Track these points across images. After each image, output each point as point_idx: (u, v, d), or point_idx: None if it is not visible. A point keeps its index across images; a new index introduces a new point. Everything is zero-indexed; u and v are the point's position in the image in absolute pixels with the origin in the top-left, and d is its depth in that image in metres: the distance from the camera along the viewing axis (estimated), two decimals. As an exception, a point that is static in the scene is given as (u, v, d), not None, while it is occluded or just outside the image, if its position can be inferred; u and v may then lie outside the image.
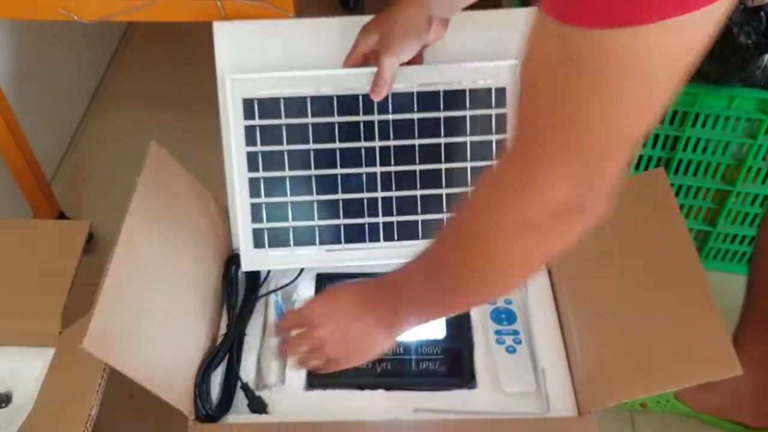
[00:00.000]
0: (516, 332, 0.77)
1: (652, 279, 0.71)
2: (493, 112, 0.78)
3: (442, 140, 0.79)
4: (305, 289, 0.83)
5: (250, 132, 0.78)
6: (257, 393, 0.73)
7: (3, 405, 0.72)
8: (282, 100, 0.77)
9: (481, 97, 0.77)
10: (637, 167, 1.02)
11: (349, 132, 0.78)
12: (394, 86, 0.74)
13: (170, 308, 0.71)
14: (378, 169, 0.80)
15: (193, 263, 0.77)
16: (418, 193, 0.81)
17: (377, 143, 0.79)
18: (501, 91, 0.77)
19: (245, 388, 0.73)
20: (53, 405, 0.65)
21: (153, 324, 0.67)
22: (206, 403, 0.70)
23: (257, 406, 0.71)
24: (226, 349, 0.76)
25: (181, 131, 1.23)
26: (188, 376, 0.71)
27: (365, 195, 0.81)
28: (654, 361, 0.66)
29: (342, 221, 0.82)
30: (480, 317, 0.79)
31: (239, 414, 0.71)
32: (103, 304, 0.60)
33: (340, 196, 0.81)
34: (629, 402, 0.92)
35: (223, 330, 0.78)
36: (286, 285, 0.83)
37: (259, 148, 0.78)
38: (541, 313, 0.79)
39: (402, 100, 0.77)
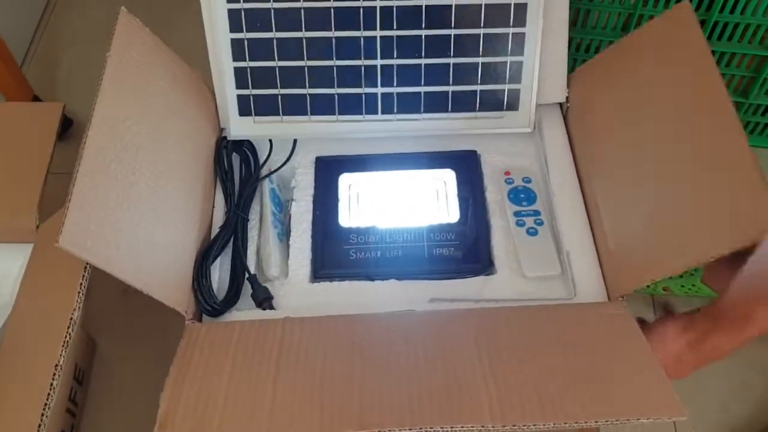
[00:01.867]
0: (537, 213, 0.70)
1: (685, 141, 0.63)
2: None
3: (453, 1, 0.69)
4: (303, 175, 0.76)
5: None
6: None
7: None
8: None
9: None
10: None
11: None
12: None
13: (156, 197, 0.63)
14: (378, 33, 0.71)
15: (179, 146, 0.69)
16: (423, 62, 0.72)
17: (378, 2, 0.69)
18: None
19: (252, 279, 0.67)
20: (34, 307, 0.59)
21: (138, 215, 0.60)
22: (209, 297, 0.65)
23: (262, 298, 0.66)
24: (226, 237, 0.69)
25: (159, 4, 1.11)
26: (183, 270, 0.65)
27: (363, 62, 0.72)
28: (688, 234, 0.59)
29: (336, 90, 0.73)
30: (497, 198, 0.73)
31: (240, 310, 0.66)
32: (79, 195, 0.52)
33: (334, 62, 0.72)
34: (651, 286, 0.88)
35: (218, 219, 0.72)
36: (281, 166, 0.76)
37: (242, 5, 0.69)
38: (564, 190, 0.72)
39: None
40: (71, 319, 0.55)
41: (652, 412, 0.49)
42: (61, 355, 0.55)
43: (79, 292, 0.56)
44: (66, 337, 0.54)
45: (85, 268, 0.57)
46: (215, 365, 0.56)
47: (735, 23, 0.88)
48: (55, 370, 0.55)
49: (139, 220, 0.59)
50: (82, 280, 0.56)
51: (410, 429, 0.49)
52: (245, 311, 0.66)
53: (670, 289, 0.87)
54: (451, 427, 0.48)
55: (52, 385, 0.54)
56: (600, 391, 0.52)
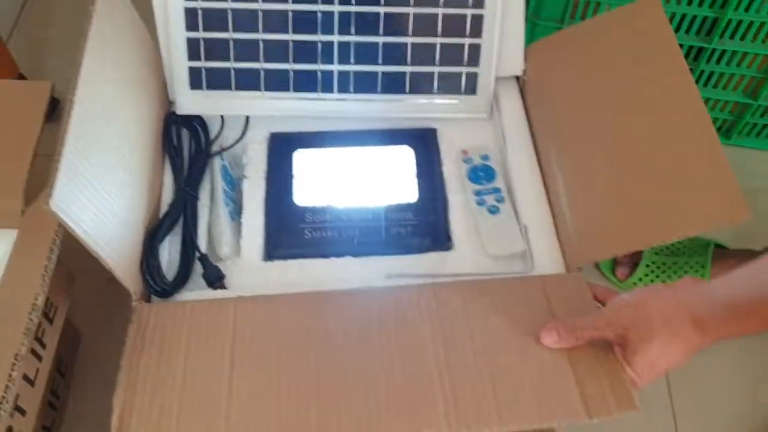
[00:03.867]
0: (497, 190, 0.69)
1: (646, 121, 0.63)
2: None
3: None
4: (256, 151, 0.73)
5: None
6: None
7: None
8: None
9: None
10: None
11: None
12: None
13: (123, 169, 0.61)
14: (336, 8, 0.69)
15: (138, 117, 0.67)
16: (381, 40, 0.71)
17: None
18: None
19: (203, 258, 0.65)
20: (9, 296, 0.56)
21: (111, 186, 0.58)
22: (158, 278, 0.62)
23: (213, 277, 0.63)
24: (175, 216, 0.67)
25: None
26: (135, 249, 0.62)
27: (319, 37, 0.70)
28: (649, 210, 0.59)
29: (291, 66, 0.71)
30: (455, 174, 0.72)
31: (191, 291, 0.63)
32: (68, 159, 0.51)
33: (290, 36, 0.70)
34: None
35: (166, 197, 0.69)
36: (233, 144, 0.73)
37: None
38: (521, 164, 0.71)
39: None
40: (34, 304, 0.51)
41: (606, 412, 0.49)
42: (22, 344, 0.51)
43: (43, 275, 0.52)
44: (28, 323, 0.51)
45: (51, 249, 0.53)
46: (167, 357, 0.54)
47: (749, 22, 0.87)
48: (15, 360, 0.52)
49: (111, 192, 0.57)
50: (47, 262, 0.53)
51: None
52: (196, 291, 0.63)
53: None
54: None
55: (11, 376, 0.51)
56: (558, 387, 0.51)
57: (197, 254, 0.65)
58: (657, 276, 0.90)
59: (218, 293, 0.63)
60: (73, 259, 0.74)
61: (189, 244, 0.65)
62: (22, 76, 1.03)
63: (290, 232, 0.68)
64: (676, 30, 0.91)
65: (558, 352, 0.54)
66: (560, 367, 0.53)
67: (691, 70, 0.93)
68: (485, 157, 0.72)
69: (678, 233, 0.56)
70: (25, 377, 0.64)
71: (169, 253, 0.66)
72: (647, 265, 0.90)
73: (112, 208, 0.57)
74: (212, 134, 0.74)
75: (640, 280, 0.90)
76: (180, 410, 0.51)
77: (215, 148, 0.73)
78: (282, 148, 0.73)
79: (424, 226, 0.68)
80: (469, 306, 0.58)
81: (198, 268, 0.65)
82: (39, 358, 0.64)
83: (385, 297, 0.59)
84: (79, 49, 0.56)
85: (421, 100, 0.74)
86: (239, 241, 0.67)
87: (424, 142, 0.74)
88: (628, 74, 0.67)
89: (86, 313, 0.77)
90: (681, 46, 0.91)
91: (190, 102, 0.73)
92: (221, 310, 0.58)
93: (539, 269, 0.64)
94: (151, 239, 0.63)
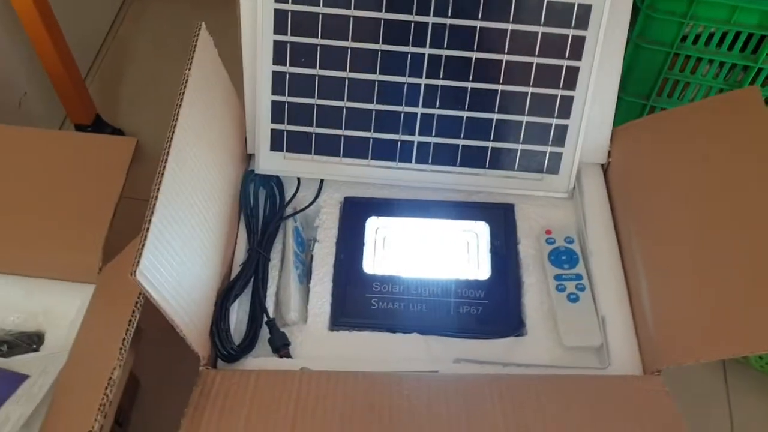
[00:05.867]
0: (579, 277, 0.66)
1: (739, 216, 0.60)
2: (571, 32, 0.65)
3: (505, 57, 0.67)
4: (329, 215, 0.73)
5: (280, 19, 0.66)
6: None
7: (35, 346, 0.63)
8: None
9: (559, 11, 0.65)
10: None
11: (397, 33, 0.66)
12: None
13: (203, 230, 0.61)
14: (423, 81, 0.69)
15: (221, 177, 0.67)
16: (465, 114, 0.70)
17: (427, 50, 0.67)
18: (585, 9, 0.64)
19: (270, 324, 0.64)
20: (83, 360, 0.56)
21: (190, 250, 0.58)
22: (227, 342, 0.62)
23: (279, 344, 0.63)
24: (247, 277, 0.66)
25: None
26: (207, 311, 0.62)
27: (403, 108, 0.70)
28: (736, 314, 0.55)
29: (372, 134, 0.71)
30: (532, 256, 0.70)
31: (256, 357, 0.63)
32: (156, 227, 0.51)
33: (374, 106, 0.70)
34: None
35: (238, 255, 0.69)
36: (307, 207, 0.73)
37: (289, 38, 0.67)
38: (602, 252, 0.68)
39: (465, 3, 0.64)
40: (110, 379, 0.51)
41: None
42: (95, 421, 0.50)
43: (121, 349, 0.52)
44: (103, 400, 0.50)
45: (130, 321, 0.53)
46: (227, 423, 0.53)
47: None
48: None
49: (191, 255, 0.58)
50: (125, 334, 0.52)
51: None
52: (261, 358, 0.63)
53: (748, 359, 0.83)
54: None
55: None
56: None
57: (265, 318, 0.64)
58: None
59: (283, 362, 0.62)
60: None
61: (258, 308, 0.65)
62: (99, 118, 1.07)
63: (357, 301, 0.67)
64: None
65: None
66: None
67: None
68: (569, 240, 0.69)
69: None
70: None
71: (236, 314, 0.66)
72: None
73: (191, 270, 0.57)
74: (287, 193, 0.74)
75: None
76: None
77: (289, 209, 0.73)
78: (355, 213, 0.73)
79: (496, 307, 0.66)
80: (544, 405, 0.55)
81: (264, 331, 0.64)
82: (104, 415, 0.65)
83: (454, 385, 0.57)
84: (173, 114, 0.56)
85: (500, 175, 0.73)
86: (306, 306, 0.66)
87: (500, 218, 0.72)
88: (720, 164, 0.64)
89: (145, 360, 0.77)
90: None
91: (268, 162, 0.73)
92: (285, 382, 0.57)
93: (615, 366, 0.61)
94: (222, 302, 0.63)
